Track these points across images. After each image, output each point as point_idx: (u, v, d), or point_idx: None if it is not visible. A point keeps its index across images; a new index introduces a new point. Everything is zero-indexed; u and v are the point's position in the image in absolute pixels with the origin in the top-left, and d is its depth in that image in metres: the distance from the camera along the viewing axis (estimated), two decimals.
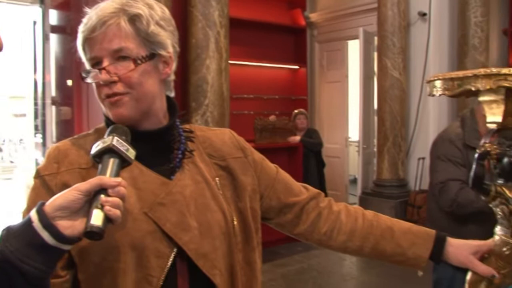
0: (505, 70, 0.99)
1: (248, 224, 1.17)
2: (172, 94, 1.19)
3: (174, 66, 1.14)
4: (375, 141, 7.00)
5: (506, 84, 0.99)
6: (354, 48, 7.69)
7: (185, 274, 1.06)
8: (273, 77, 7.45)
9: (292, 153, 6.15)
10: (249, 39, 6.95)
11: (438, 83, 1.12)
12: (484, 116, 1.19)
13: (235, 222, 1.14)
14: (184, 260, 1.06)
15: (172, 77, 1.15)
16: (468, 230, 2.39)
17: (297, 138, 6.22)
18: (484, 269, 1.19)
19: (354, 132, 8.31)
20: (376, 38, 6.84)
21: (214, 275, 1.07)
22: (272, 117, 6.32)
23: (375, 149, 7.00)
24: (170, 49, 1.11)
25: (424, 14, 6.60)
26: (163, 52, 1.09)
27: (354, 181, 8.36)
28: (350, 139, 8.29)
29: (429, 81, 1.15)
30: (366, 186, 6.94)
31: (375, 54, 6.92)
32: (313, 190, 1.32)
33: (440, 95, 1.10)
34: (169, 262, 1.03)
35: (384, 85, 6.43)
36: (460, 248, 1.24)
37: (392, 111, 6.38)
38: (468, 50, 6.35)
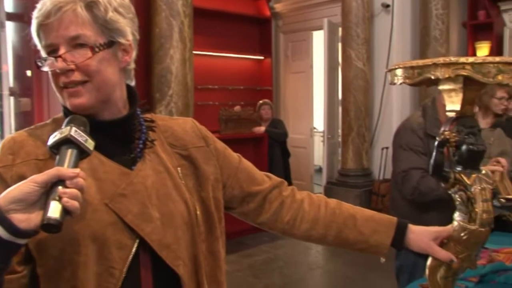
0: (463, 59, 1.01)
1: (211, 213, 1.16)
2: (133, 83, 1.17)
3: (134, 54, 1.11)
4: (340, 131, 7.06)
5: (463, 73, 1.01)
6: (318, 39, 7.73)
7: (148, 265, 1.05)
8: (238, 68, 7.43)
9: (257, 143, 6.16)
10: (213, 29, 6.90)
11: (399, 72, 1.13)
12: (444, 105, 1.20)
13: (198, 212, 1.13)
14: (146, 251, 1.04)
15: (132, 65, 1.13)
16: (430, 217, 2.44)
17: (262, 128, 6.23)
18: (443, 254, 1.22)
19: (319, 122, 8.38)
20: (340, 29, 6.88)
21: (177, 265, 1.06)
22: (237, 108, 6.31)
23: (340, 139, 7.07)
24: (130, 37, 1.08)
25: (387, 6, 6.68)
26: (122, 40, 1.06)
27: (319, 171, 8.43)
28: (315, 130, 8.35)
29: (390, 70, 1.16)
30: (331, 176, 7.01)
31: (340, 45, 6.97)
32: (276, 179, 1.32)
33: (401, 83, 1.11)
34: (132, 254, 1.02)
35: (348, 76, 6.49)
36: (420, 235, 1.26)
37: (356, 102, 6.44)
38: (430, 42, 6.47)
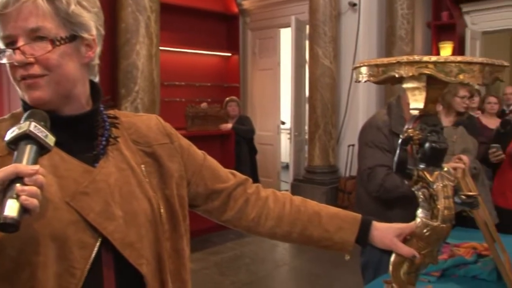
0: (426, 58, 1.02)
1: (175, 211, 1.14)
2: (97, 79, 1.14)
3: (98, 49, 1.09)
4: (307, 128, 7.10)
5: (426, 71, 1.02)
6: (286, 36, 7.76)
7: (111, 265, 1.02)
8: (205, 64, 7.39)
9: (224, 140, 6.15)
10: (180, 25, 6.85)
11: (364, 70, 1.14)
12: (409, 104, 1.22)
13: (161, 210, 1.11)
14: (109, 250, 1.02)
15: (96, 61, 1.10)
16: (394, 214, 2.48)
17: (228, 125, 6.22)
18: (406, 250, 1.23)
19: (286, 119, 8.41)
20: (308, 27, 6.92)
21: (140, 264, 1.04)
22: (203, 105, 6.27)
23: (307, 137, 7.11)
24: (94, 32, 1.05)
25: (354, 5, 6.76)
26: (85, 35, 1.03)
27: (286, 168, 8.47)
28: (283, 126, 8.38)
29: (355, 68, 1.17)
30: (298, 173, 7.05)
31: (307, 43, 7.01)
32: (241, 177, 1.32)
33: (365, 81, 1.12)
34: (94, 253, 0.99)
35: (315, 73, 6.53)
36: (384, 231, 1.27)
37: (323, 99, 6.49)
38: (396, 41, 6.57)
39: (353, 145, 6.65)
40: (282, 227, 1.28)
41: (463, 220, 2.67)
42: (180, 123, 5.97)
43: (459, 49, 7.33)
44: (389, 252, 1.29)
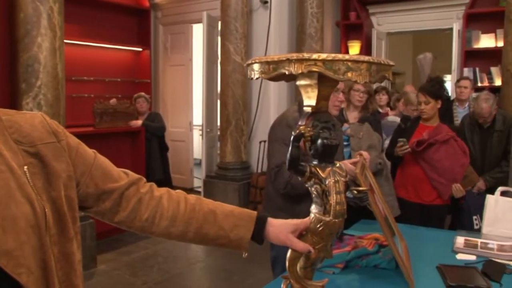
0: (315, 56, 1.03)
1: (63, 214, 1.08)
2: None
3: None
4: (219, 124, 7.10)
5: (315, 69, 1.03)
6: (198, 32, 7.71)
7: None
8: (115, 59, 7.19)
9: (134, 137, 6.01)
10: (88, 17, 6.62)
11: (256, 66, 1.14)
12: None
13: (47, 213, 1.04)
14: None
15: None
16: (301, 209, 2.52)
17: (139, 122, 6.10)
18: (301, 246, 1.25)
19: (198, 116, 8.37)
20: (220, 23, 6.91)
21: (19, 274, 0.96)
22: (112, 101, 6.09)
23: (219, 133, 7.11)
24: None
25: (266, 2, 6.83)
26: None
27: (199, 165, 8.44)
28: (195, 122, 8.32)
29: (248, 64, 1.16)
30: (210, 169, 7.03)
31: (219, 39, 7.00)
32: (134, 176, 1.27)
33: (257, 78, 1.12)
34: None
35: (226, 70, 6.53)
36: (280, 228, 1.28)
37: (234, 95, 6.51)
38: (305, 39, 6.73)
39: (264, 141, 6.73)
40: (177, 226, 1.25)
41: (369, 213, 2.78)
42: (89, 119, 5.77)
43: (366, 48, 7.65)
44: None
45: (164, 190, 1.29)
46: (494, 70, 6.67)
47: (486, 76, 6.76)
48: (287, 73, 1.06)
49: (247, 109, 6.72)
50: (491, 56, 6.62)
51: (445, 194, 3.56)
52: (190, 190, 7.63)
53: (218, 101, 7.06)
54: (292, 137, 1.17)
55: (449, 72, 7.29)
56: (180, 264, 4.98)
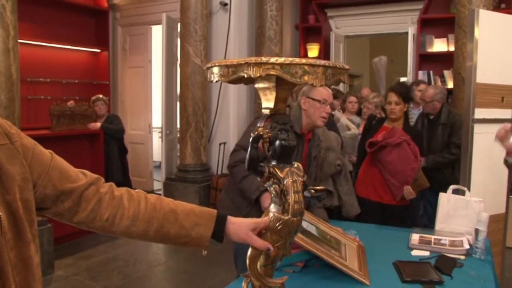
0: (273, 60, 1.07)
1: (19, 217, 1.05)
2: None
3: None
4: (178, 127, 7.08)
5: (273, 72, 1.07)
6: (157, 34, 7.66)
7: None
8: (73, 60, 7.09)
9: (93, 140, 5.92)
10: (44, 17, 6.50)
11: (215, 70, 1.16)
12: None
13: (2, 218, 1.01)
14: None
15: None
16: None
17: (97, 124, 6.01)
18: (261, 243, 1.28)
19: (157, 118, 8.32)
20: (179, 25, 6.90)
21: None
22: (70, 103, 5.98)
23: (178, 135, 7.08)
24: None
25: (226, 4, 6.85)
26: None
27: (159, 167, 8.38)
28: (154, 125, 8.27)
29: (207, 68, 1.19)
30: (170, 172, 6.99)
31: (179, 41, 6.98)
32: (92, 176, 1.26)
33: (217, 80, 1.14)
34: None
35: (186, 72, 6.51)
36: (240, 226, 1.31)
37: (194, 98, 6.49)
38: (265, 41, 6.79)
39: (224, 143, 6.76)
40: (138, 226, 1.26)
41: (330, 212, 2.84)
42: (45, 122, 5.66)
43: (325, 51, 7.77)
44: None
45: (124, 189, 1.29)
46: (447, 73, 6.90)
47: (440, 79, 6.98)
48: (246, 76, 1.09)
49: (206, 111, 6.72)
50: (444, 59, 6.84)
51: (397, 195, 3.63)
52: (150, 193, 7.56)
53: (178, 103, 7.03)
54: (251, 139, 1.20)
55: (405, 75, 7.50)
56: (141, 267, 4.94)
